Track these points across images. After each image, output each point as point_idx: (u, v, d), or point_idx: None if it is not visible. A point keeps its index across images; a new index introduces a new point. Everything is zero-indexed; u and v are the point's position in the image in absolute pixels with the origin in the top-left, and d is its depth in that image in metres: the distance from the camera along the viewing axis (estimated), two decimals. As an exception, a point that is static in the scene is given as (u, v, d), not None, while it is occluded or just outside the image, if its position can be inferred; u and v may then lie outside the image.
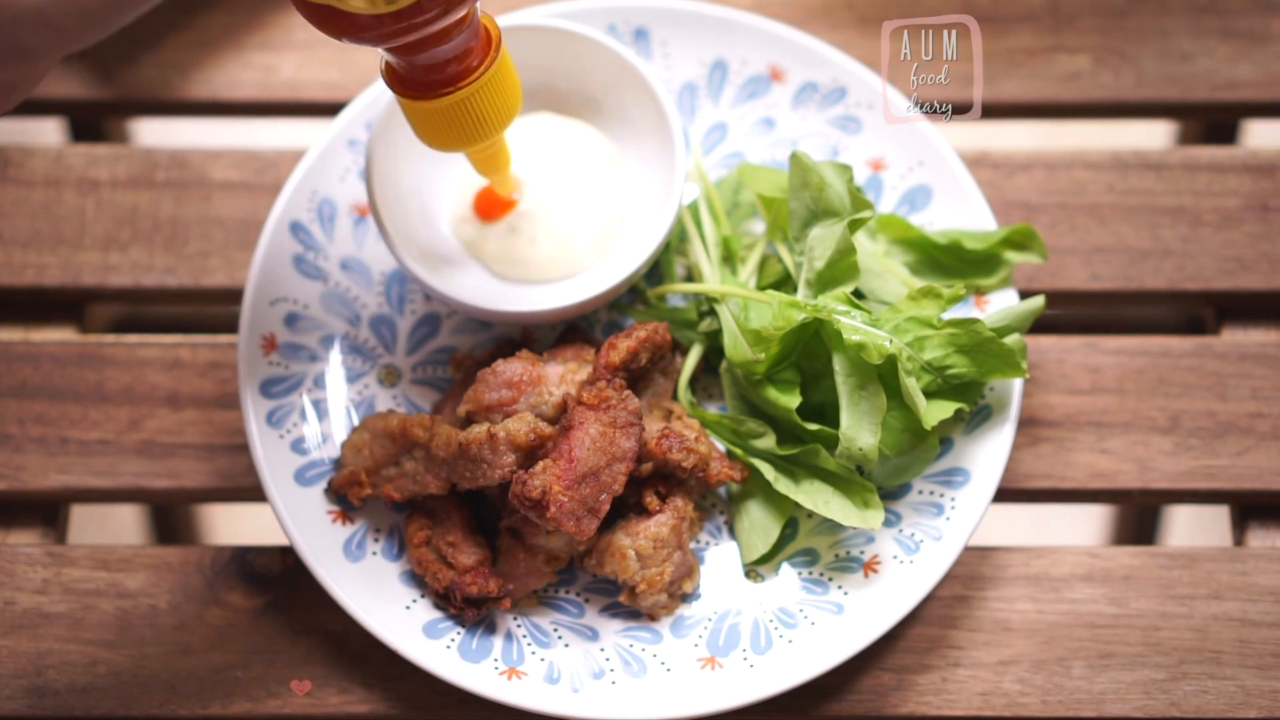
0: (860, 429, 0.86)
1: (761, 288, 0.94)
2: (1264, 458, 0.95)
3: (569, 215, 0.94)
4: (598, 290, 0.91)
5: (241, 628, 0.92)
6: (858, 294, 0.92)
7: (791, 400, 0.89)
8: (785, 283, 0.94)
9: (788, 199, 0.91)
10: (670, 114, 0.92)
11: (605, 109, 0.96)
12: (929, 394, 0.88)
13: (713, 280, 0.93)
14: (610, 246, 0.94)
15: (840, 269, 0.89)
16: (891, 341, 0.86)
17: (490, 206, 0.94)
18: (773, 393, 0.89)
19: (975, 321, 0.87)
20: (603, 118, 0.96)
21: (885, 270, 0.92)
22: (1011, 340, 0.88)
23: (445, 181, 0.96)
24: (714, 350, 0.94)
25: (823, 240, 0.89)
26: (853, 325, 0.87)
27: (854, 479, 0.89)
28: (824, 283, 0.89)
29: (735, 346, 0.90)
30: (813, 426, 0.89)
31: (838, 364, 0.87)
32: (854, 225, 0.88)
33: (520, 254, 0.94)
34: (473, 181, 0.95)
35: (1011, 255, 0.93)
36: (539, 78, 0.96)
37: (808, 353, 0.90)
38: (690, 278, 0.96)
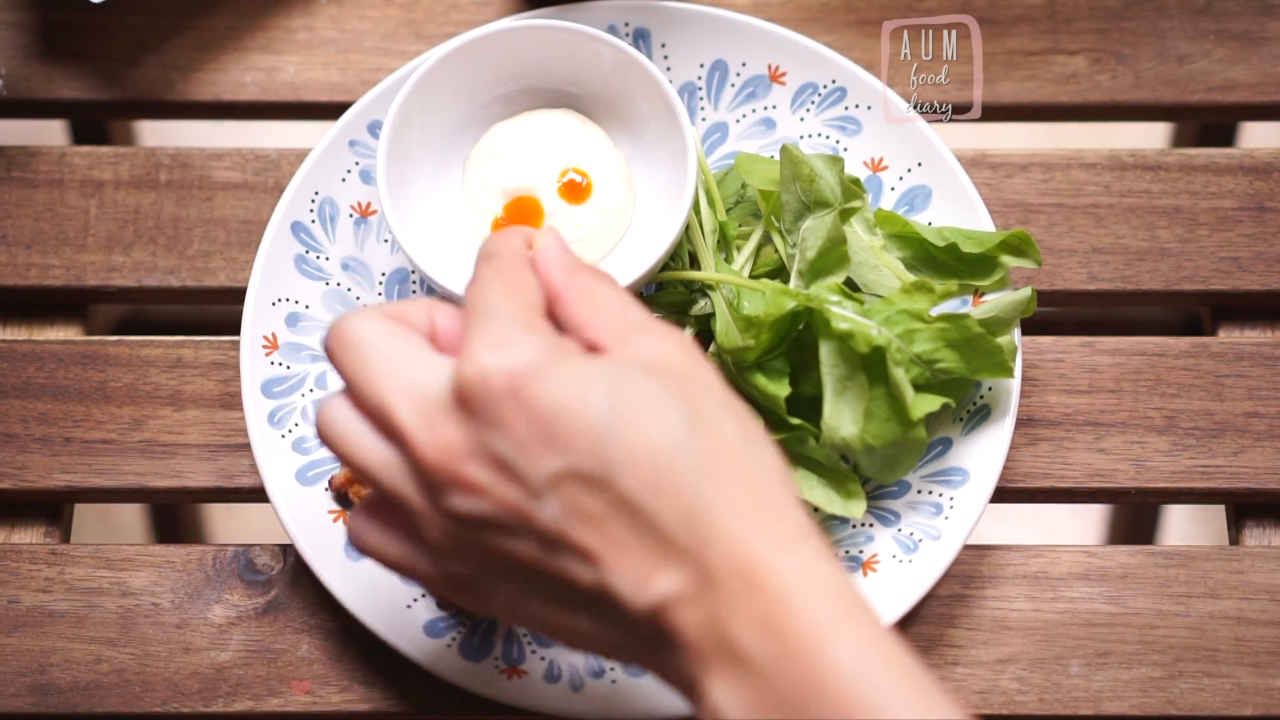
0: (842, 418, 0.87)
1: (756, 275, 0.94)
2: (1260, 457, 0.95)
3: (577, 218, 0.94)
4: None
5: (243, 626, 0.92)
6: (852, 285, 0.92)
7: (781, 389, 0.89)
8: (780, 272, 0.94)
9: (780, 191, 0.91)
10: (683, 120, 0.92)
11: (615, 111, 0.96)
12: (918, 387, 0.88)
13: (708, 266, 0.93)
14: (617, 251, 0.95)
15: (831, 259, 0.89)
16: (879, 332, 0.86)
17: None
18: (762, 380, 0.90)
19: (965, 317, 0.87)
20: (612, 120, 0.96)
21: (881, 264, 0.93)
22: (1003, 341, 0.88)
23: (453, 181, 0.96)
24: (706, 334, 0.94)
25: (814, 231, 0.90)
26: (842, 314, 0.87)
27: (839, 468, 0.89)
28: (815, 272, 0.90)
29: (726, 332, 0.90)
30: (795, 421, 0.89)
31: (824, 353, 0.87)
32: (845, 214, 0.89)
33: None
34: (481, 187, 0.95)
35: (1008, 259, 0.93)
36: (546, 78, 0.96)
37: (799, 344, 0.90)
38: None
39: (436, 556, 0.72)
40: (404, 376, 0.71)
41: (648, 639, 0.69)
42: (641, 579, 0.68)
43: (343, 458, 0.73)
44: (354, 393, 0.72)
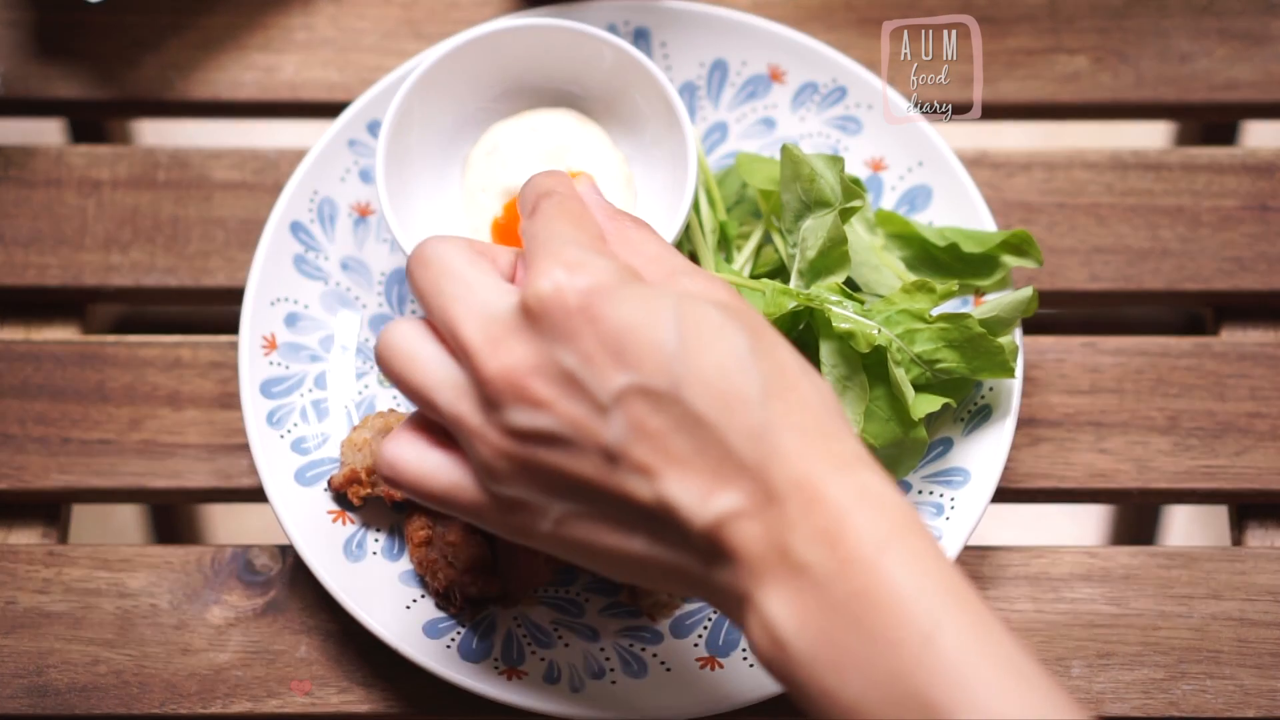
0: None
1: (756, 275, 0.94)
2: (1262, 458, 0.95)
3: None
4: None
5: (241, 627, 0.92)
6: (852, 285, 0.92)
7: None
8: (780, 272, 0.94)
9: (780, 191, 0.91)
10: (683, 120, 0.92)
11: (615, 111, 0.96)
12: (918, 387, 0.88)
13: (708, 266, 0.93)
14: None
15: (832, 258, 0.89)
16: (880, 331, 0.86)
17: (513, 239, 0.94)
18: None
19: (966, 317, 0.87)
20: (612, 120, 0.96)
21: (882, 264, 0.93)
22: (1004, 341, 0.88)
23: (453, 181, 0.96)
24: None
25: (814, 230, 0.89)
26: (843, 314, 0.87)
27: None
28: (816, 272, 0.90)
29: None
30: None
31: (825, 353, 0.87)
32: (845, 214, 0.89)
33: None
34: (480, 186, 0.95)
35: (1009, 259, 0.93)
36: (546, 78, 0.96)
37: (799, 344, 0.90)
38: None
39: (486, 479, 0.73)
40: (474, 296, 0.72)
41: (703, 555, 0.70)
42: (704, 494, 0.69)
43: (397, 377, 0.74)
44: (426, 312, 0.74)
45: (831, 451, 0.70)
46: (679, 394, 0.69)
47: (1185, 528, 1.57)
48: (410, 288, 0.74)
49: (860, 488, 0.69)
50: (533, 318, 0.70)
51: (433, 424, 0.75)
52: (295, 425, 0.93)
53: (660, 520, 0.70)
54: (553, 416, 0.70)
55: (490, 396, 0.71)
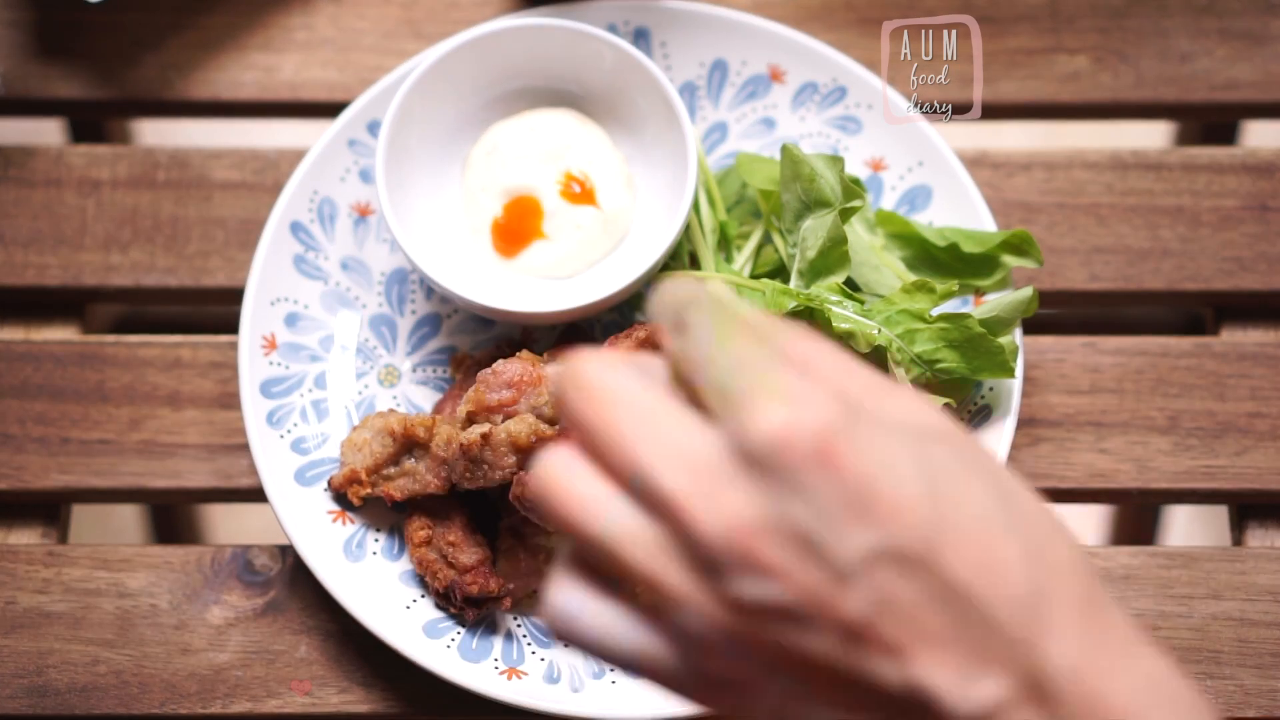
0: None
1: (756, 275, 0.94)
2: (1262, 458, 0.95)
3: (577, 219, 0.94)
4: (606, 293, 0.91)
5: (241, 627, 0.92)
6: (852, 285, 0.92)
7: None
8: (780, 272, 0.94)
9: (780, 191, 0.91)
10: (683, 120, 0.92)
11: (615, 111, 0.96)
12: (918, 387, 0.88)
13: (708, 266, 0.93)
14: (618, 250, 0.94)
15: (832, 258, 0.89)
16: (880, 331, 0.86)
17: (512, 239, 0.94)
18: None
19: (966, 317, 0.87)
20: (612, 120, 0.96)
21: (882, 264, 0.93)
22: (1004, 341, 0.88)
23: (453, 180, 0.96)
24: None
25: (814, 230, 0.89)
26: (843, 314, 0.87)
27: None
28: (816, 272, 0.90)
29: None
30: None
31: (824, 353, 0.87)
32: (845, 214, 0.89)
33: (528, 254, 0.94)
34: (480, 186, 0.95)
35: (1009, 259, 0.93)
36: (546, 77, 0.96)
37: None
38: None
39: (693, 651, 0.60)
40: (666, 436, 0.58)
41: None
42: (965, 680, 0.58)
43: (574, 528, 0.60)
44: (593, 448, 0.60)
45: (1105, 629, 0.59)
46: (933, 557, 0.57)
47: (1185, 528, 1.56)
48: (567, 419, 0.61)
49: (1149, 682, 0.59)
50: (756, 464, 0.57)
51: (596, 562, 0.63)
52: (295, 425, 0.93)
53: (909, 707, 0.58)
54: (786, 586, 0.57)
55: (707, 560, 0.58)
